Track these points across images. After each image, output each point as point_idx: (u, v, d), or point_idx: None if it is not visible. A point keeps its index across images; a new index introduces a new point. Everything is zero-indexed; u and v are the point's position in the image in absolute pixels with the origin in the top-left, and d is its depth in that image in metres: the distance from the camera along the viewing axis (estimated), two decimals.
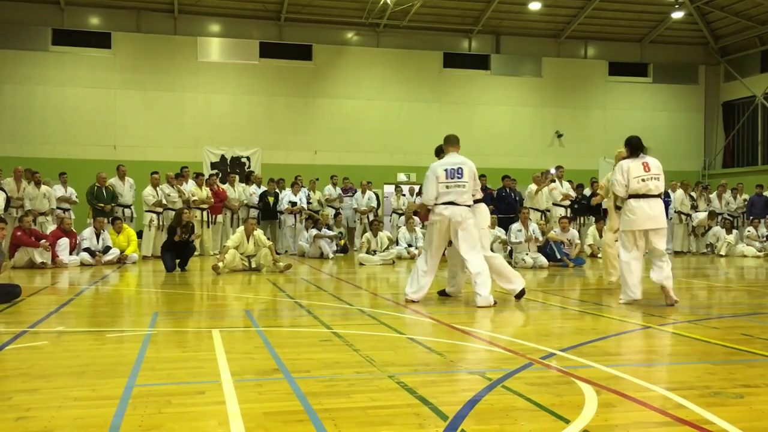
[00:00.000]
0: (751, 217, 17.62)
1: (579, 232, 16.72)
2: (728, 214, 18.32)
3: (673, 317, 6.39)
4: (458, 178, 7.19)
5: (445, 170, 7.23)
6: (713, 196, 18.69)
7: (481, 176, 17.22)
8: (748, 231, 17.15)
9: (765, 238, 16.78)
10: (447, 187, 7.18)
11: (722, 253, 16.39)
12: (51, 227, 13.67)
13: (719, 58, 24.56)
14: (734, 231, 17.19)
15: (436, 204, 7.23)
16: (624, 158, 7.49)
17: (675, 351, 4.98)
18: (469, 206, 7.30)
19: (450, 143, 7.51)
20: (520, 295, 7.43)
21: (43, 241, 12.24)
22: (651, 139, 23.50)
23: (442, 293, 7.95)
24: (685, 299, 7.60)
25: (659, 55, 24.24)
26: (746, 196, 18.74)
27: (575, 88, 23.58)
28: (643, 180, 7.17)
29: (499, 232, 14.00)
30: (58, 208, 14.86)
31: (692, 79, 24.63)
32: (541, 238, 13.14)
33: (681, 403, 3.31)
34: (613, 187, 7.40)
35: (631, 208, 7.16)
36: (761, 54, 23.37)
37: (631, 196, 7.20)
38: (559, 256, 13.05)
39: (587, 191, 16.89)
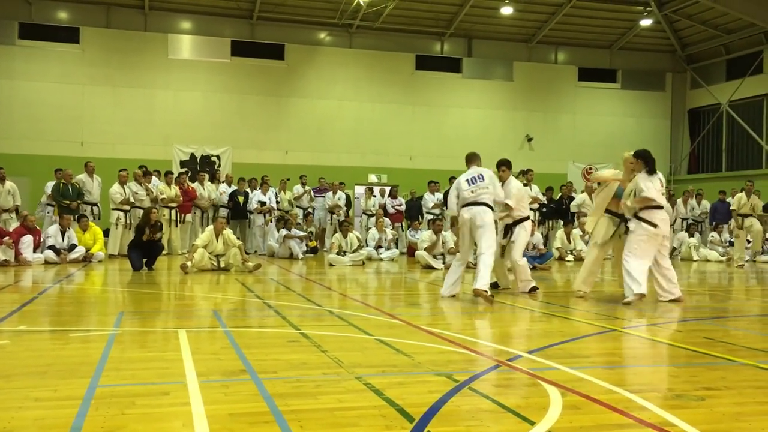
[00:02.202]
0: (714, 223, 17.95)
1: (547, 235, 16.90)
2: (692, 220, 18.64)
3: (637, 320, 6.49)
4: (480, 181, 7.99)
5: (467, 180, 8.03)
6: (679, 201, 18.98)
7: (452, 178, 17.50)
8: (712, 236, 17.47)
9: (728, 243, 17.10)
10: (472, 192, 7.95)
11: (695, 257, 16.59)
12: (15, 224, 13.42)
13: (686, 65, 24.99)
14: (695, 235, 17.50)
15: (460, 211, 8.04)
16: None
17: (639, 354, 5.06)
18: (490, 207, 7.96)
19: (469, 160, 8.29)
20: (533, 289, 8.53)
21: (6, 238, 12.01)
22: (619, 144, 23.83)
23: (495, 285, 8.67)
24: (649, 303, 7.71)
25: (628, 62, 24.59)
26: (706, 202, 19.11)
27: (545, 93, 23.81)
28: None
29: None
30: (47, 204, 14.82)
31: (659, 86, 25.03)
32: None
33: (644, 405, 3.36)
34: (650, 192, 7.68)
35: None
36: (726, 62, 23.83)
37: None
38: (531, 266, 13.00)
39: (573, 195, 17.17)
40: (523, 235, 8.71)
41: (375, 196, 18.40)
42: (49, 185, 14.93)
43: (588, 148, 23.73)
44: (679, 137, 25.20)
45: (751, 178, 15.50)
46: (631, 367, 4.54)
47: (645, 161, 7.79)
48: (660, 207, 7.72)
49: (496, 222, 8.30)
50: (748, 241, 15.69)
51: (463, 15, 21.89)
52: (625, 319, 6.49)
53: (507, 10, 21.54)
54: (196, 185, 16.48)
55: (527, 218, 8.83)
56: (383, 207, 17.76)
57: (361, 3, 20.23)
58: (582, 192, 17.87)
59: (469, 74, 23.16)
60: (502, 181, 8.60)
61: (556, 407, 3.30)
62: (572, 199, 17.53)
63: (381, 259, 14.78)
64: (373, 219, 17.26)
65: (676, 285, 7.89)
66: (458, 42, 23.24)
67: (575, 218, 16.83)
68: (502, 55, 23.52)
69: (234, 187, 16.99)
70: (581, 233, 16.17)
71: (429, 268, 12.76)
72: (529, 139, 23.43)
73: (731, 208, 15.09)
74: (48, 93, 19.83)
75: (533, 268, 12.78)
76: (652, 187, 7.56)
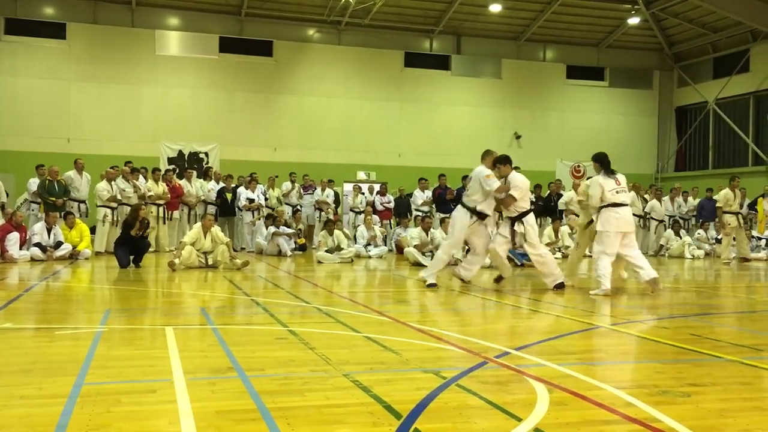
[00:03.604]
0: (701, 220, 18.05)
1: None
2: (679, 217, 18.74)
3: (624, 317, 6.52)
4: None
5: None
6: (666, 199, 19.07)
7: (441, 176, 17.62)
8: (698, 234, 17.57)
9: (714, 240, 17.21)
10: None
11: (688, 255, 16.58)
12: (0, 221, 13.31)
13: (673, 63, 25.12)
14: (682, 232, 17.59)
15: None
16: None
17: (625, 350, 5.08)
18: (469, 208, 8.63)
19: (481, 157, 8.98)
20: (559, 286, 8.52)
21: None
22: (606, 142, 23.92)
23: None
24: (636, 300, 7.76)
25: (615, 60, 24.70)
26: (694, 200, 19.20)
27: (534, 90, 23.87)
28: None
29: None
30: (32, 202, 14.66)
31: (647, 84, 25.15)
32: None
33: (630, 402, 3.37)
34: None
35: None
36: (713, 60, 23.97)
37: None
38: (519, 263, 12.91)
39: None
40: (530, 230, 8.65)
41: (363, 193, 18.38)
42: (32, 182, 14.81)
43: (576, 146, 23.80)
44: (667, 135, 25.33)
45: (737, 175, 15.58)
46: (618, 364, 4.56)
47: (601, 163, 8.43)
48: (617, 205, 8.20)
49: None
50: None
51: (452, 12, 21.90)
52: (612, 316, 6.52)
53: (496, 8, 21.57)
54: (183, 182, 16.41)
55: (529, 211, 8.76)
56: (372, 204, 17.75)
57: (350, 0, 20.19)
58: (570, 189, 17.96)
59: (457, 71, 23.18)
60: (504, 177, 8.67)
61: (543, 403, 3.31)
62: (560, 196, 17.60)
63: (369, 257, 14.78)
64: (360, 216, 17.24)
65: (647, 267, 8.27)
66: (447, 39, 23.25)
67: (563, 215, 16.89)
68: (490, 53, 23.55)
69: (222, 184, 16.93)
70: (569, 230, 16.23)
71: (418, 265, 12.75)
72: (518, 137, 23.49)
73: (717, 205, 15.14)
74: (34, 89, 19.68)
75: (521, 265, 12.82)
76: (597, 194, 8.24)
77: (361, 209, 17.62)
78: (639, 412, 3.21)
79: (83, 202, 15.03)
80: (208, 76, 21.16)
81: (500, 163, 8.75)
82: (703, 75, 24.29)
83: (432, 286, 8.63)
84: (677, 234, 17.21)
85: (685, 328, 6.00)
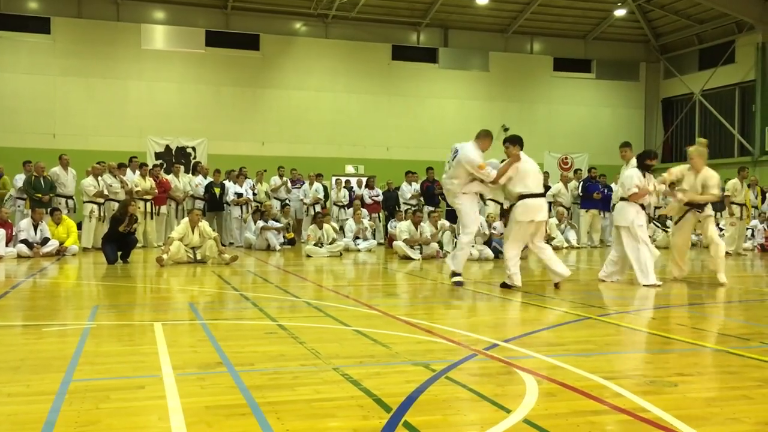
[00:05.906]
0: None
1: None
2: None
3: (612, 308, 6.56)
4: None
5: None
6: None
7: (429, 169, 17.60)
8: None
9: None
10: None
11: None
12: None
13: (659, 55, 25.22)
14: (668, 223, 17.65)
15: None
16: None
17: (613, 341, 5.11)
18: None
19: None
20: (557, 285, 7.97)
21: None
22: (593, 134, 24.07)
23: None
24: (624, 290, 7.80)
25: (602, 52, 24.76)
26: None
27: (521, 83, 23.90)
28: None
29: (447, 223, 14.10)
30: (18, 198, 14.56)
31: (633, 76, 25.24)
32: (487, 232, 13.23)
33: (618, 392, 3.40)
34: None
35: None
36: (699, 52, 24.08)
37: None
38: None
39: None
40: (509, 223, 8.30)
41: (347, 188, 18.30)
42: (18, 178, 14.71)
43: (563, 138, 23.91)
44: (653, 127, 25.45)
45: (745, 166, 15.78)
46: (606, 354, 4.58)
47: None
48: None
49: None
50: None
51: (438, 5, 21.87)
52: (600, 307, 6.56)
53: (483, 0, 21.54)
54: (170, 177, 16.34)
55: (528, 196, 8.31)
56: (360, 198, 17.74)
57: None
58: (558, 182, 18.02)
59: (445, 64, 23.17)
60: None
61: (532, 395, 3.33)
62: (548, 188, 17.63)
63: (358, 250, 14.78)
64: (344, 211, 17.34)
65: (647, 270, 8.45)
66: (434, 32, 23.23)
67: (551, 207, 16.93)
68: (478, 46, 23.56)
69: (210, 179, 16.86)
70: (557, 222, 16.31)
71: (407, 258, 12.77)
72: (505, 129, 23.46)
73: (725, 194, 15.11)
74: (19, 84, 19.50)
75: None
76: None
77: (344, 203, 17.66)
78: (627, 402, 3.24)
79: (71, 197, 14.93)
80: (194, 71, 21.04)
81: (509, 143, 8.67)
82: (689, 66, 24.40)
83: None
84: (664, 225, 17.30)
85: (672, 318, 6.04)
